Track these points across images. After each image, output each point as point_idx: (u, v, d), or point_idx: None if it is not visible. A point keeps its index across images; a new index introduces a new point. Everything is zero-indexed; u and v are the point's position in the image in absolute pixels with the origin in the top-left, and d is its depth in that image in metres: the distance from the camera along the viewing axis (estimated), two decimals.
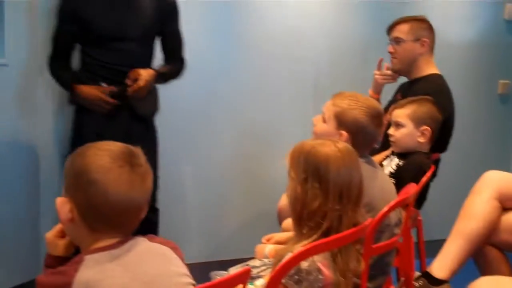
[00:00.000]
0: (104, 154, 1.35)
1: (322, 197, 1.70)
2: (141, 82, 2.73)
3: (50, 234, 1.49)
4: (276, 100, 3.74)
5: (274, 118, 3.72)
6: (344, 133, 2.14)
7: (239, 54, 3.63)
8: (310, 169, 1.72)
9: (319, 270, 1.63)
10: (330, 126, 2.18)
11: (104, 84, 2.81)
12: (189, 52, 3.09)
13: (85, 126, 2.85)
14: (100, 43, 2.81)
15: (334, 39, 3.89)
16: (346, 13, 3.92)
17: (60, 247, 1.48)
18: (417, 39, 3.06)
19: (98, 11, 2.79)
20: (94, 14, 2.78)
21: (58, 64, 2.85)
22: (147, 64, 2.94)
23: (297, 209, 1.74)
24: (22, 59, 2.88)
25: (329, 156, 1.73)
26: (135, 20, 2.86)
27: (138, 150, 1.41)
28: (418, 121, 2.64)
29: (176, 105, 3.39)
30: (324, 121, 2.22)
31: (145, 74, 2.76)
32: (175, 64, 3.03)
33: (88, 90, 2.76)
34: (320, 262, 1.64)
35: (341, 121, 2.16)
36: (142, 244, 1.40)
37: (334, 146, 1.76)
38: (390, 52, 3.11)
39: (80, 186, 1.34)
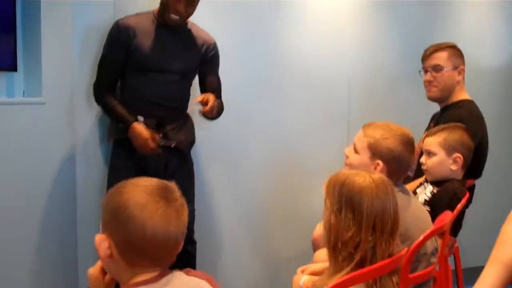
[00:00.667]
0: (140, 190, 1.38)
1: (355, 228, 1.70)
2: (210, 103, 2.83)
3: (92, 270, 1.51)
4: (311, 128, 3.75)
5: (310, 146, 3.72)
6: (380, 162, 2.15)
7: (274, 82, 3.65)
8: (344, 200, 1.73)
9: None
10: (364, 157, 2.19)
11: (141, 118, 2.88)
12: (222, 79, 3.15)
13: (123, 159, 2.92)
14: (142, 74, 2.90)
15: (365, 66, 3.90)
16: (377, 40, 3.94)
17: (102, 283, 1.50)
18: (455, 67, 3.05)
19: (145, 42, 2.89)
20: (141, 44, 2.88)
21: (105, 92, 2.93)
22: (184, 100, 3.05)
23: (331, 239, 1.75)
24: (58, 97, 2.94)
25: (363, 187, 1.74)
26: (179, 55, 2.95)
27: (173, 185, 1.44)
28: (449, 149, 2.62)
29: (211, 137, 3.42)
30: (356, 152, 2.23)
31: (212, 98, 2.86)
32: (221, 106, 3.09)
33: (139, 131, 2.82)
34: None
35: (376, 151, 2.17)
36: (179, 278, 1.42)
37: (369, 176, 1.77)
38: (428, 81, 3.08)
39: (117, 222, 1.37)
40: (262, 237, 3.66)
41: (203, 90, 3.11)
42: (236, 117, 3.50)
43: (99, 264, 1.50)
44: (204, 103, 2.84)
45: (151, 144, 2.81)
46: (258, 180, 3.61)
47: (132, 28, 2.89)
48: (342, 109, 3.85)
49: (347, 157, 2.29)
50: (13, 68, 2.83)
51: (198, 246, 3.10)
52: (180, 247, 1.42)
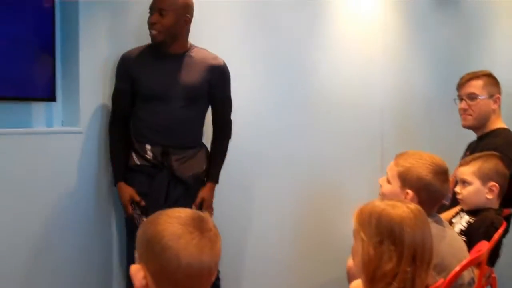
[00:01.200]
0: (175, 222, 1.40)
1: (396, 259, 1.69)
2: (206, 206, 2.97)
3: None
4: (343, 156, 3.75)
5: (341, 174, 3.72)
6: (410, 192, 2.14)
7: (306, 109, 3.67)
8: (384, 231, 1.72)
9: None
10: (395, 186, 2.19)
11: (148, 147, 2.94)
12: (255, 106, 3.14)
13: (132, 183, 2.98)
14: (146, 103, 2.96)
15: (399, 93, 3.90)
16: (410, 67, 3.93)
17: None
18: (491, 96, 3.03)
19: (145, 71, 2.94)
20: (141, 73, 2.94)
21: (116, 127, 2.99)
22: (193, 129, 3.05)
23: (369, 271, 1.73)
24: (95, 127, 3.01)
25: (403, 218, 1.72)
26: (179, 82, 2.96)
27: (206, 216, 1.46)
28: (484, 178, 2.59)
29: (238, 161, 3.44)
30: (389, 181, 2.22)
31: (206, 196, 3.00)
32: (222, 138, 3.13)
33: (123, 191, 2.95)
34: None
35: (405, 180, 2.17)
36: None
37: (407, 207, 1.75)
38: (463, 109, 3.07)
39: (152, 253, 1.39)
40: (292, 266, 3.64)
41: (212, 113, 3.12)
42: (267, 144, 3.53)
43: None
44: (198, 206, 2.96)
45: (128, 209, 2.92)
46: (289, 209, 3.62)
47: (133, 59, 2.95)
48: (375, 136, 3.85)
49: (381, 186, 2.29)
50: (52, 98, 2.89)
51: (225, 276, 3.07)
52: (214, 278, 1.43)
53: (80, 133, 2.94)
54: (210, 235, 1.41)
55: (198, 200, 2.99)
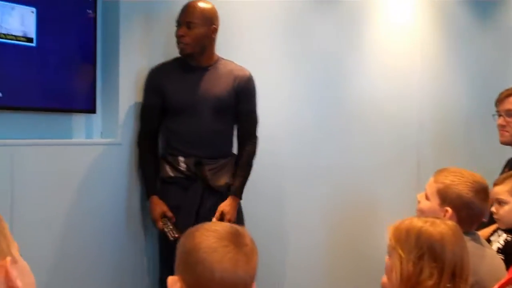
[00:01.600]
0: (211, 235, 1.42)
1: (437, 276, 1.69)
2: (227, 220, 2.89)
3: None
4: (379, 168, 3.73)
5: (377, 186, 3.70)
6: (449, 209, 2.12)
7: (342, 121, 3.67)
8: (424, 247, 1.71)
9: None
10: (434, 203, 2.17)
11: (181, 159, 2.97)
12: (292, 117, 3.14)
13: (166, 195, 3.01)
14: (176, 115, 3.00)
15: (436, 108, 3.87)
16: (448, 80, 3.91)
17: None
18: None
19: (174, 84, 2.99)
20: (170, 87, 2.98)
21: (146, 141, 3.02)
22: (224, 139, 3.08)
23: (409, 287, 1.73)
24: (134, 138, 3.06)
25: (443, 235, 1.72)
26: (207, 94, 2.99)
27: (243, 230, 1.48)
28: None
29: (271, 171, 3.45)
30: (427, 198, 2.21)
31: (226, 210, 2.94)
32: (247, 153, 3.10)
33: (156, 205, 2.96)
34: None
35: (445, 198, 2.15)
36: None
37: (445, 225, 1.76)
38: (501, 125, 3.04)
39: (188, 265, 1.41)
40: (325, 275, 3.63)
41: (237, 126, 3.13)
42: (301, 154, 3.54)
43: None
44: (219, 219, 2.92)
45: (158, 224, 2.93)
46: (323, 218, 3.62)
47: (161, 73, 3.00)
48: (411, 148, 3.83)
49: (419, 202, 2.27)
50: (93, 110, 2.95)
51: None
52: None
53: (119, 144, 2.99)
54: (246, 249, 1.43)
55: (217, 213, 2.94)
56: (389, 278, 1.79)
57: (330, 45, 3.65)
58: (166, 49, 3.17)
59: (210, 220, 2.73)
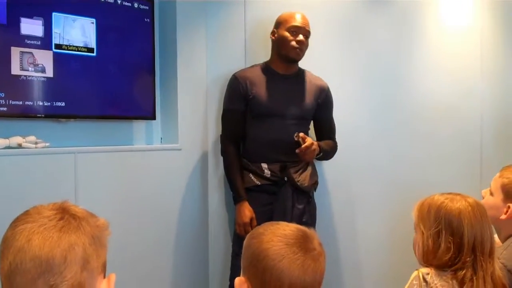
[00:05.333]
0: (279, 240, 1.41)
1: (455, 250, 1.74)
2: (308, 143, 2.89)
3: None
4: (442, 166, 3.67)
5: (439, 185, 3.60)
6: (511, 205, 2.06)
7: (403, 120, 3.63)
8: (443, 223, 1.78)
9: None
10: (497, 199, 2.12)
11: (264, 165, 3.01)
12: (350, 116, 3.17)
13: (253, 203, 3.01)
14: (261, 121, 3.02)
15: (497, 103, 3.77)
16: (508, 77, 3.80)
17: None
18: None
19: (262, 90, 3.03)
20: (259, 92, 3.02)
21: (231, 146, 3.06)
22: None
23: (429, 261, 1.79)
24: (194, 143, 3.11)
25: (461, 210, 1.78)
26: (294, 100, 3.06)
27: (312, 233, 1.46)
28: None
29: (335, 180, 3.45)
30: (492, 193, 2.15)
31: (311, 141, 2.92)
32: (333, 144, 3.19)
33: (246, 211, 2.98)
34: None
35: (509, 193, 2.09)
36: None
37: (465, 201, 1.81)
38: None
39: (256, 270, 1.41)
40: (380, 274, 3.58)
41: (317, 133, 3.21)
42: (362, 154, 3.51)
43: None
44: (302, 140, 2.90)
45: (247, 229, 2.92)
46: (387, 218, 3.57)
47: (249, 78, 3.04)
48: (475, 145, 3.74)
49: (483, 197, 2.22)
50: (153, 116, 3.02)
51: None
52: None
53: (178, 149, 3.05)
54: (314, 254, 1.42)
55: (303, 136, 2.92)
56: (415, 253, 1.87)
57: (390, 46, 3.61)
58: (224, 54, 3.21)
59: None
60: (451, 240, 1.75)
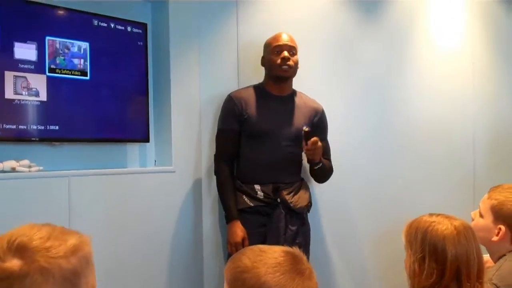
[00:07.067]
0: (276, 271, 1.39)
1: (437, 276, 1.73)
2: (315, 142, 2.86)
3: None
4: (433, 185, 3.69)
5: (432, 207, 3.63)
6: (502, 227, 2.07)
7: (395, 142, 3.65)
8: (427, 249, 1.77)
9: None
10: (487, 221, 2.12)
11: (257, 187, 3.01)
12: (341, 136, 3.20)
13: (246, 224, 3.01)
14: (256, 141, 3.04)
15: (490, 126, 3.79)
16: (500, 100, 3.83)
17: None
18: None
19: (257, 110, 3.04)
20: (253, 113, 3.03)
21: (225, 166, 3.06)
22: (297, 164, 3.15)
23: (414, 285, 1.79)
24: (187, 165, 3.11)
25: (446, 235, 1.76)
26: (289, 121, 3.08)
27: (299, 253, 1.46)
28: None
29: (329, 200, 3.45)
30: (481, 215, 2.16)
31: (317, 140, 2.90)
32: (330, 164, 3.18)
33: (238, 230, 2.97)
34: None
35: (499, 215, 2.10)
36: None
37: (451, 224, 1.79)
38: None
39: None
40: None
41: None
42: (355, 175, 3.53)
43: None
44: (310, 141, 2.87)
45: (238, 249, 2.89)
46: (374, 239, 3.57)
47: (244, 99, 3.06)
48: (467, 168, 3.76)
49: (473, 219, 2.23)
50: (146, 139, 3.03)
51: None
52: None
53: (172, 172, 3.05)
54: (308, 274, 1.42)
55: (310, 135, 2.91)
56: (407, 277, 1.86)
57: (382, 67, 3.64)
58: (217, 75, 3.23)
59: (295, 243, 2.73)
60: (434, 266, 1.74)
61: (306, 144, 2.89)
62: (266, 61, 3.09)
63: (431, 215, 1.88)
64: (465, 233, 1.78)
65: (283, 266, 1.40)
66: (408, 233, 1.85)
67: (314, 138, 2.88)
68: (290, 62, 3.03)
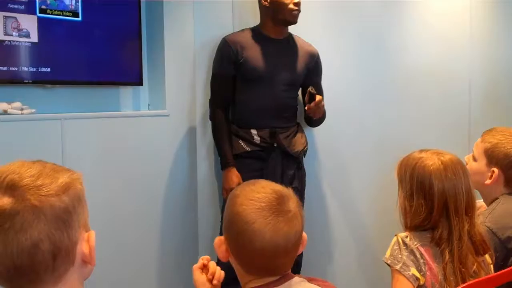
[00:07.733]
0: (251, 204, 1.39)
1: (426, 212, 1.76)
2: (319, 98, 2.86)
3: (196, 266, 1.61)
4: (428, 129, 3.70)
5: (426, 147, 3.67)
6: (495, 170, 2.07)
7: (391, 87, 3.64)
8: (415, 185, 1.79)
9: None
10: (481, 164, 2.12)
11: (254, 131, 3.01)
12: (337, 78, 3.21)
13: (241, 171, 3.01)
14: (252, 86, 3.01)
15: (487, 71, 3.77)
16: (497, 38, 3.80)
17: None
18: None
19: (253, 54, 3.00)
20: (249, 57, 2.99)
21: (220, 111, 3.04)
22: (293, 109, 3.13)
23: (407, 222, 1.82)
24: (182, 109, 3.09)
25: (432, 170, 1.77)
26: (285, 66, 3.04)
27: (288, 194, 1.44)
28: None
29: (324, 145, 3.46)
30: (475, 159, 2.16)
31: (320, 97, 2.90)
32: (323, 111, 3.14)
33: (233, 176, 2.98)
34: None
35: (492, 157, 2.10)
36: (300, 285, 1.43)
37: (438, 159, 1.80)
38: None
39: (230, 233, 1.42)
40: (370, 239, 3.62)
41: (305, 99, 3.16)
42: (350, 118, 3.52)
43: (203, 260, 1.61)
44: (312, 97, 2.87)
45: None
46: (369, 183, 3.60)
47: (239, 42, 3.01)
48: (463, 111, 3.76)
49: (466, 163, 2.22)
50: (140, 82, 2.99)
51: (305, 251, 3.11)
52: (294, 254, 1.43)
53: (166, 115, 3.03)
54: (288, 216, 1.39)
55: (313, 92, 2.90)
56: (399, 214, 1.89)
57: (379, 9, 3.59)
58: (211, 18, 3.17)
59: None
60: (423, 202, 1.76)
61: (309, 104, 2.87)
62: (273, 3, 2.98)
63: (421, 151, 1.88)
64: (453, 167, 1.78)
65: (261, 202, 1.38)
66: (399, 170, 1.87)
67: (318, 98, 2.86)
68: (299, 9, 2.99)
